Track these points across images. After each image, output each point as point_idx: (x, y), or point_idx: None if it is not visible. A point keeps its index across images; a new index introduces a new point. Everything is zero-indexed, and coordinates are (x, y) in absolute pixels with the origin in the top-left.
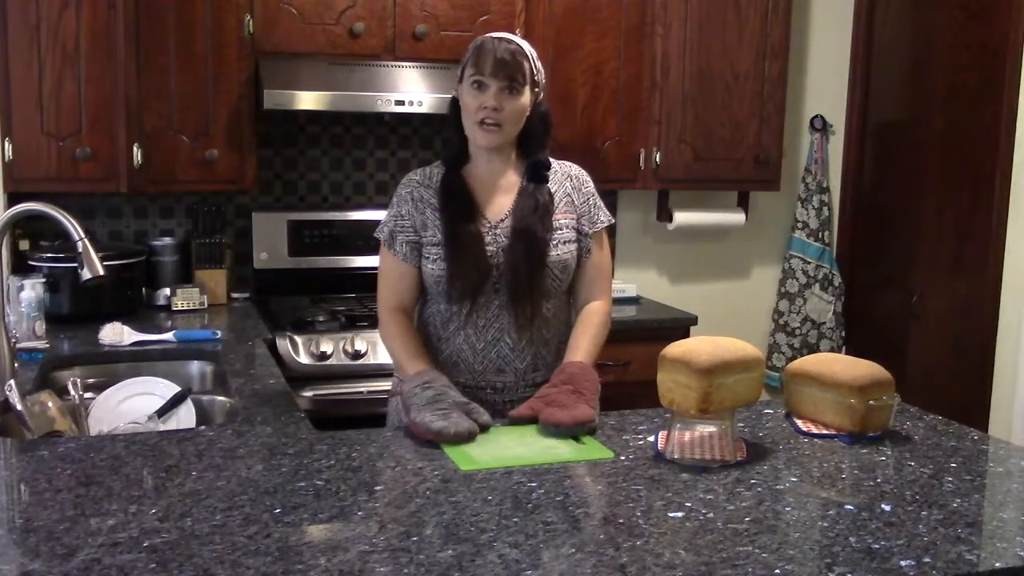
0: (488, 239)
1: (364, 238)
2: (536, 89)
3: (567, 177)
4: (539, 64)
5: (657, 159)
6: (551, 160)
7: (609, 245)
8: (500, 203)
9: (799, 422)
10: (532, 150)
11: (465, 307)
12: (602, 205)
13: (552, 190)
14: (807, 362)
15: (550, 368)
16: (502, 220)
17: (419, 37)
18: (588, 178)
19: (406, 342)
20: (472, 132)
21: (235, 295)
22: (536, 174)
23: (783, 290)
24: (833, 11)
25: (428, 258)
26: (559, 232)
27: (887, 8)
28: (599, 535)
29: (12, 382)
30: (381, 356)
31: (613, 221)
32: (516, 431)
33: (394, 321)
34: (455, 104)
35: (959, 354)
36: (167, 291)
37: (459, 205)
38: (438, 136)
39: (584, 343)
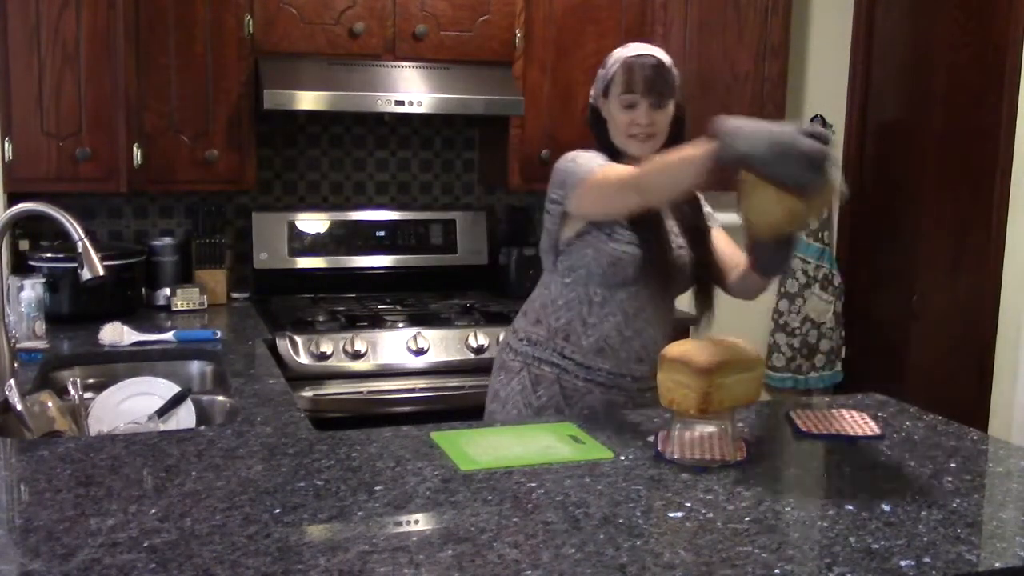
0: None
1: (364, 238)
2: (677, 95)
3: None
4: (675, 70)
5: None
6: None
7: None
8: None
9: (799, 422)
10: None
11: (622, 293)
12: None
13: None
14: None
15: None
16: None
17: (419, 37)
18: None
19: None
20: (624, 144)
21: (235, 295)
22: None
23: (783, 290)
24: (833, 11)
25: (615, 238)
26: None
27: (887, 8)
28: (599, 535)
29: (12, 382)
30: (381, 356)
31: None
32: (516, 431)
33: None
34: (596, 114)
35: (959, 354)
36: (167, 291)
37: None
38: (438, 136)
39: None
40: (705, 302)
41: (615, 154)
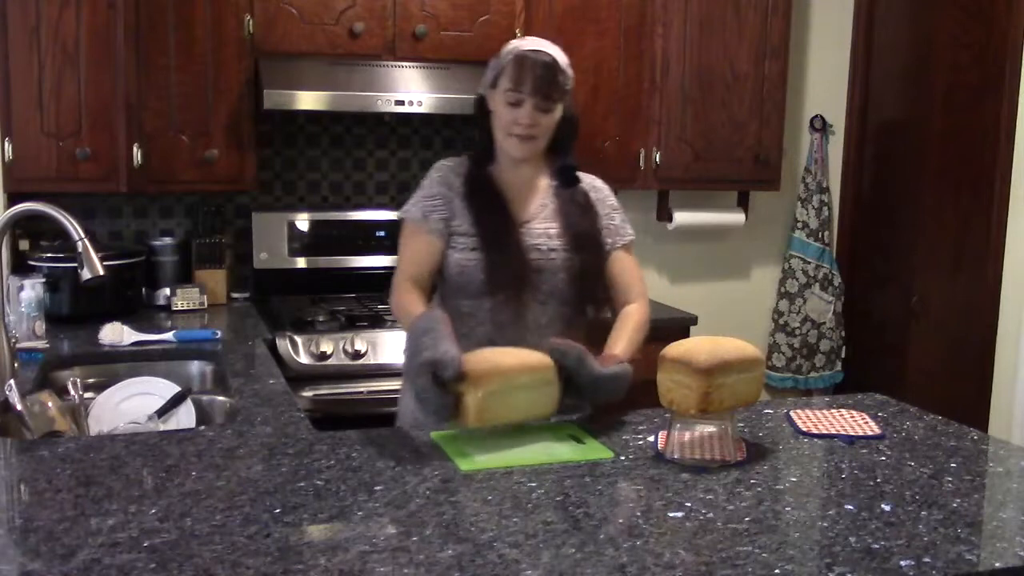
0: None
1: (364, 238)
2: (566, 98)
3: (591, 188)
4: (570, 71)
5: (657, 159)
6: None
7: None
8: (530, 204)
9: (799, 422)
10: (559, 153)
11: (487, 303)
12: (626, 220)
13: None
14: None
15: None
16: (529, 221)
17: (419, 37)
18: (610, 192)
19: (416, 306)
20: (503, 141)
21: (235, 295)
22: (566, 178)
23: (783, 290)
24: (833, 11)
25: (455, 247)
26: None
27: (887, 8)
28: (599, 535)
29: (12, 382)
30: (381, 356)
31: (634, 237)
32: (516, 431)
33: (411, 290)
34: (481, 104)
35: (959, 354)
36: (167, 291)
37: (488, 199)
38: (438, 136)
39: (623, 339)
40: (585, 308)
41: (492, 151)
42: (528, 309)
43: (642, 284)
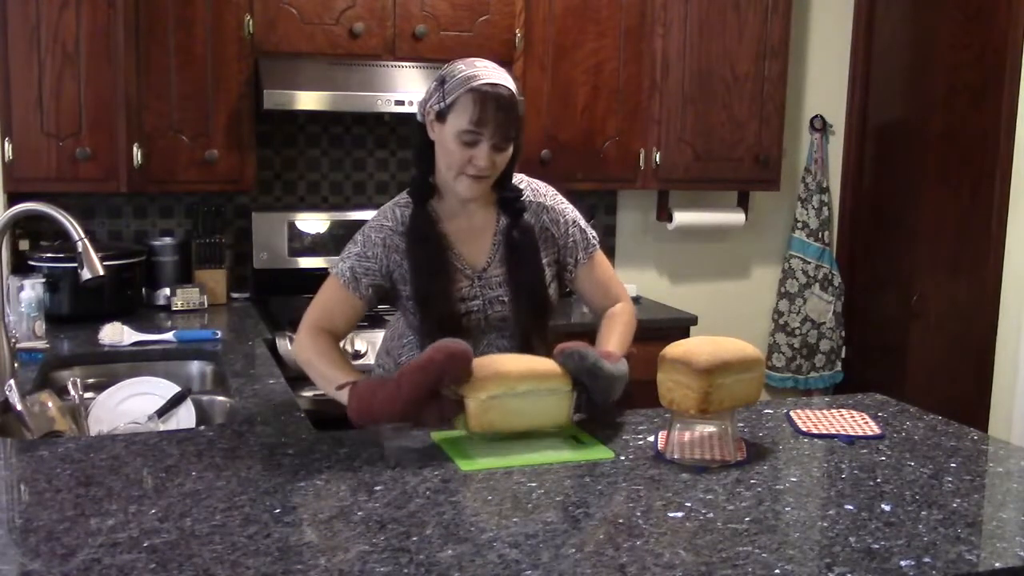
0: (472, 292)
1: None
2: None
3: (542, 209)
4: (521, 97)
5: (657, 159)
6: (518, 182)
7: (605, 248)
8: (480, 247)
9: (799, 422)
10: (501, 182)
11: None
12: (586, 225)
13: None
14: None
15: None
16: (485, 268)
17: (419, 37)
18: (562, 203)
19: (333, 360)
20: (452, 181)
21: (235, 295)
22: (511, 210)
23: (783, 290)
24: (833, 11)
25: (403, 294)
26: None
27: (887, 8)
28: (599, 535)
29: (12, 382)
30: None
31: (598, 239)
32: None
33: (324, 340)
34: (421, 129)
35: (959, 354)
36: (167, 291)
37: (429, 255)
38: None
39: (614, 335)
40: (528, 351)
41: (429, 187)
42: (504, 335)
43: (619, 283)
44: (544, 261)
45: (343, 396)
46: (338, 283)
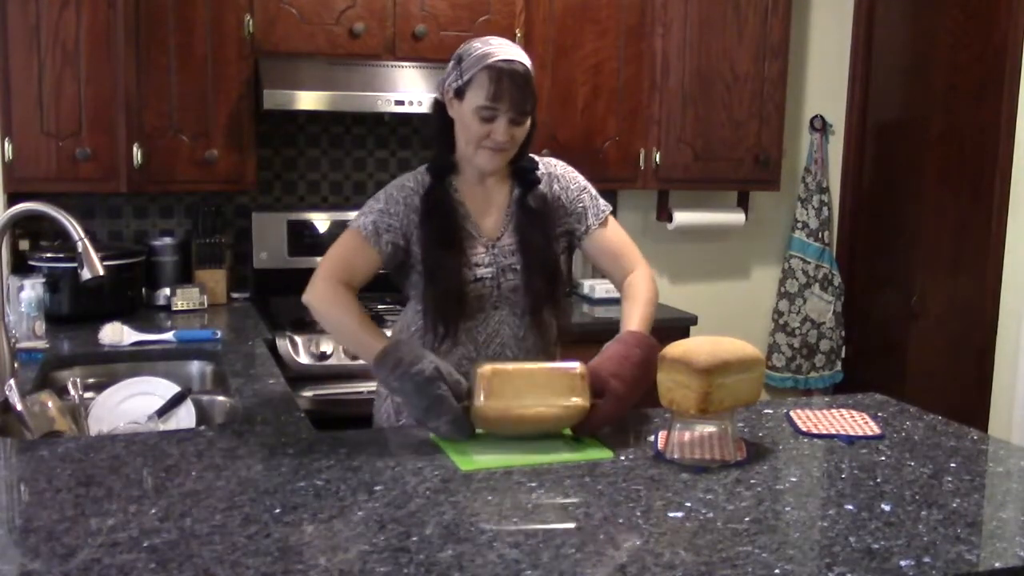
0: (487, 259)
1: None
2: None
3: (552, 179)
4: (533, 72)
5: (657, 159)
6: (534, 158)
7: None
8: (495, 218)
9: (799, 422)
10: (517, 156)
11: (471, 320)
12: (597, 194)
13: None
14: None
15: None
16: (499, 237)
17: (419, 37)
18: (573, 172)
19: (362, 318)
20: (472, 155)
21: (235, 295)
22: (526, 180)
23: (783, 290)
24: (833, 11)
25: (415, 269)
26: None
27: (887, 8)
28: (599, 535)
29: (12, 382)
30: None
31: (611, 208)
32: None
33: (344, 292)
34: (439, 108)
35: (959, 354)
36: (167, 291)
37: (442, 224)
38: None
39: (636, 313)
40: (539, 325)
41: (452, 161)
42: (512, 325)
43: (634, 249)
44: (556, 232)
45: (370, 355)
46: (360, 235)
